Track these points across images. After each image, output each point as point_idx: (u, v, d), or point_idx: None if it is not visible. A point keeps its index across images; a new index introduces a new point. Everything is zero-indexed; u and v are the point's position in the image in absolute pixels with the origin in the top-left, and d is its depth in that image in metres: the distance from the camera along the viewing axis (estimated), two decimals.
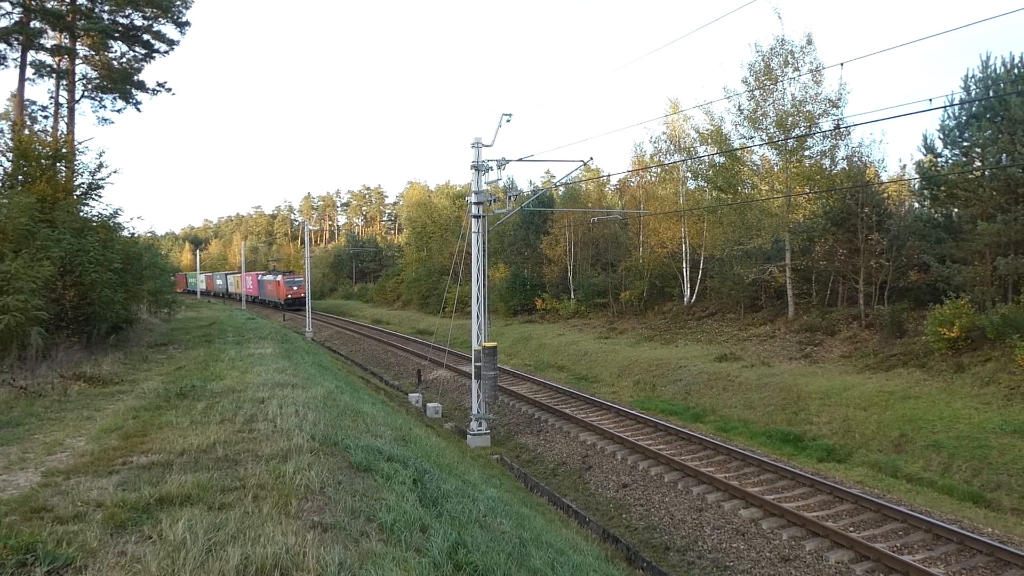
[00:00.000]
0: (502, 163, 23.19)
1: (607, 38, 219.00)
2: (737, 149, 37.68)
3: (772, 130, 35.59)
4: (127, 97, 35.87)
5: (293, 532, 6.70)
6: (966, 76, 29.19)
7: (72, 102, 33.77)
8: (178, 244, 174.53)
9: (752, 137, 37.06)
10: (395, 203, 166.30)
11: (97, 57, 34.75)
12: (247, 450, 10.03)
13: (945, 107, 28.81)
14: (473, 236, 23.72)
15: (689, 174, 45.07)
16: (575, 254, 52.87)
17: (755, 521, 14.80)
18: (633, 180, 52.32)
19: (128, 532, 6.78)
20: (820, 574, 12.53)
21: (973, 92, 28.71)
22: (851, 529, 13.89)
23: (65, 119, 33.60)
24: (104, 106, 36.07)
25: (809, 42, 34.93)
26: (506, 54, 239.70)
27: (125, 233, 30.98)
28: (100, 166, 27.42)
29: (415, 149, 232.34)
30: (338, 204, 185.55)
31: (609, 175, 67.70)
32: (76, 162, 27.43)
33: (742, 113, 36.88)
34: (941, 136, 29.75)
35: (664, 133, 46.67)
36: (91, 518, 7.17)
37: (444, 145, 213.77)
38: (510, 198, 34.96)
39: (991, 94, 27.76)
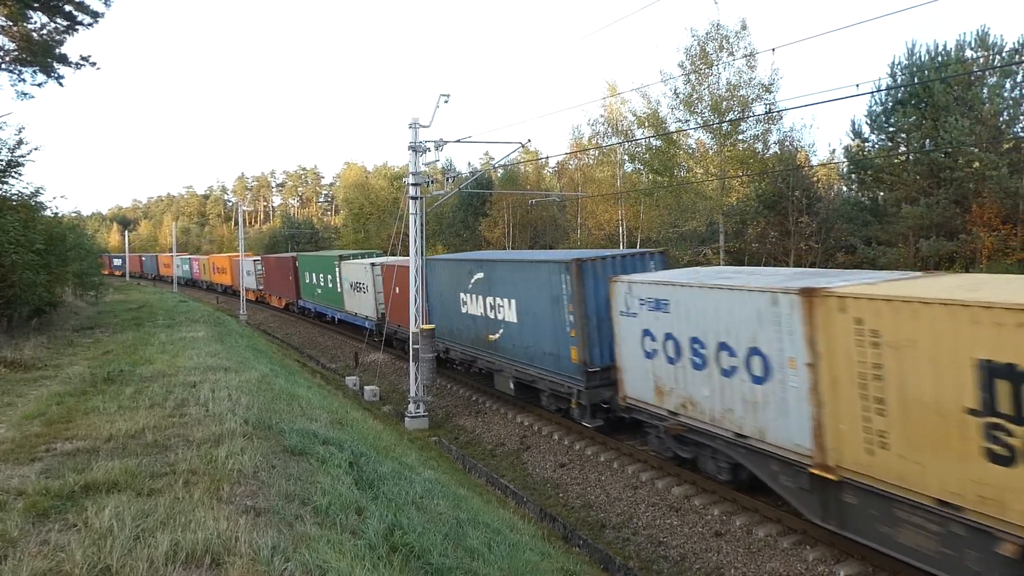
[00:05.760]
0: (440, 144, 23.03)
1: (546, 19, 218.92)
2: (673, 132, 38.16)
3: (707, 114, 36.14)
4: (48, 71, 34.36)
5: (225, 517, 6.61)
6: (892, 63, 30.15)
7: None
8: (105, 225, 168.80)
9: (688, 121, 37.60)
10: (332, 184, 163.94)
11: (15, 28, 33.14)
12: (178, 435, 9.85)
13: (872, 93, 29.75)
14: (411, 218, 23.54)
15: (626, 157, 45.54)
16: (514, 236, 53.02)
17: (688, 497, 15.14)
18: (571, 163, 52.66)
19: (51, 520, 6.61)
20: (750, 547, 12.91)
21: (899, 79, 29.64)
22: (780, 504, 14.31)
23: None
24: (23, 79, 34.43)
25: (744, 27, 35.57)
26: (444, 34, 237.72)
27: (48, 213, 29.86)
28: (20, 143, 26.41)
29: (352, 129, 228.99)
30: (273, 184, 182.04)
31: (547, 157, 67.98)
32: None
33: (678, 97, 37.36)
34: (868, 121, 30.69)
35: (602, 116, 47.06)
36: (11, 507, 6.96)
37: (382, 125, 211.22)
38: (448, 179, 34.84)
39: (916, 81, 28.70)
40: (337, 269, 39.36)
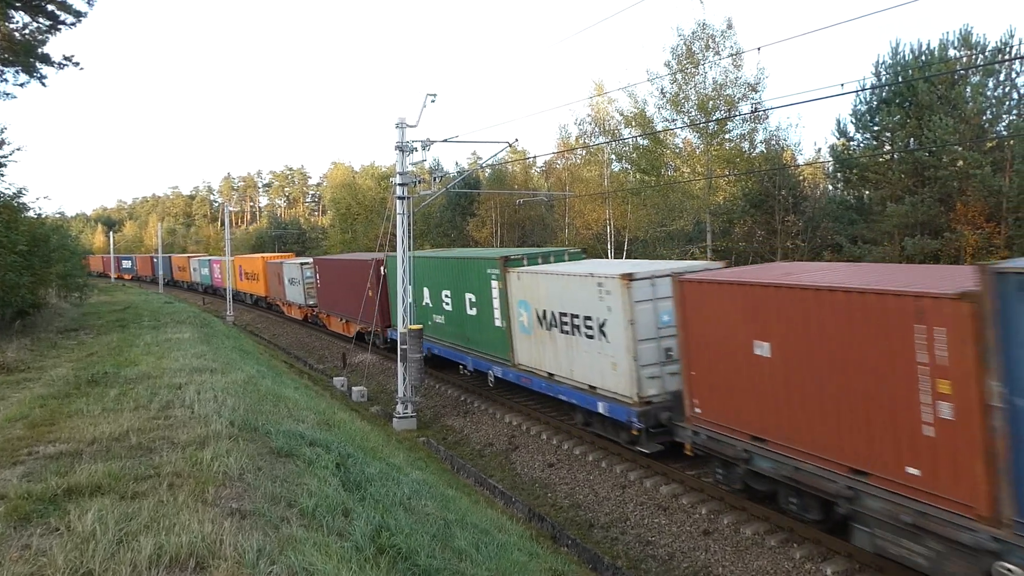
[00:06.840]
0: (427, 144, 22.97)
1: (533, 19, 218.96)
2: (660, 132, 38.22)
3: (694, 113, 36.22)
4: (31, 71, 34.05)
5: (210, 520, 6.56)
6: (877, 63, 30.26)
7: None
8: (90, 226, 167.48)
9: (674, 120, 37.67)
10: (319, 184, 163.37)
11: None
12: (163, 437, 9.77)
13: (857, 92, 29.79)
14: (398, 218, 23.47)
15: (613, 156, 45.56)
16: (501, 236, 52.98)
17: (676, 496, 15.15)
18: (559, 162, 52.70)
19: (33, 524, 6.54)
20: (737, 545, 12.93)
21: (883, 78, 29.77)
22: (767, 503, 14.34)
23: None
24: (5, 80, 34.14)
25: (729, 27, 35.68)
26: (431, 34, 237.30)
27: (31, 214, 29.60)
28: (2, 143, 26.17)
29: (339, 129, 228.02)
30: (259, 185, 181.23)
31: (535, 156, 68.00)
32: None
33: (665, 96, 37.42)
34: (853, 120, 30.80)
35: (589, 115, 47.04)
36: None
37: (369, 125, 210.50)
38: (436, 179, 34.71)
39: (900, 80, 28.83)
40: (497, 284, 21.71)
